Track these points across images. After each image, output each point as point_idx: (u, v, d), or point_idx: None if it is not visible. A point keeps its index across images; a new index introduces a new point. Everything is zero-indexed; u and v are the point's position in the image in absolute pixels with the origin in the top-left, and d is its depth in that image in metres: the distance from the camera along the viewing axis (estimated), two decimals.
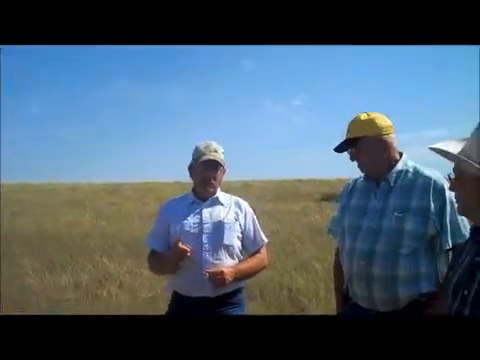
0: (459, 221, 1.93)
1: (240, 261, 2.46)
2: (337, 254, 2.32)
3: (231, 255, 2.41)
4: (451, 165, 1.42)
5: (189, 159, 2.52)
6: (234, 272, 2.33)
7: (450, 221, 1.93)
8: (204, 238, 2.37)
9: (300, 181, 26.60)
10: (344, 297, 2.23)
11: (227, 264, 2.36)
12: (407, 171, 2.06)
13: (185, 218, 2.43)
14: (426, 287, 1.96)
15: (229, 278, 2.28)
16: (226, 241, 2.39)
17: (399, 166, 2.07)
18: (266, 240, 2.58)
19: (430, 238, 1.97)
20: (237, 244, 2.45)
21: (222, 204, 2.50)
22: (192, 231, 2.38)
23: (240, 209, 2.52)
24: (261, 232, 2.57)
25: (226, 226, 2.41)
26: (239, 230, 2.46)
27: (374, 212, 2.06)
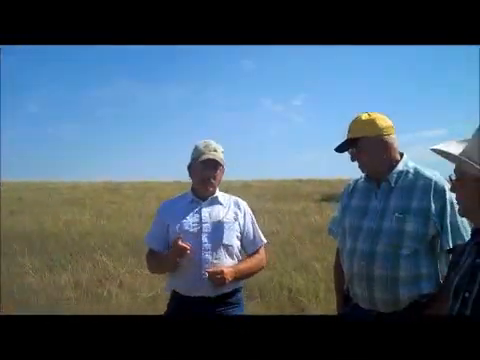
0: (459, 222, 1.93)
1: (239, 261, 2.46)
2: (337, 254, 2.32)
3: (230, 255, 2.40)
4: (450, 166, 1.42)
5: (189, 159, 2.51)
6: (234, 272, 2.33)
7: (450, 222, 1.93)
8: (204, 237, 2.36)
9: (300, 181, 26.62)
10: (344, 297, 2.23)
11: (226, 264, 2.36)
12: (408, 172, 2.06)
13: (184, 217, 2.42)
14: (427, 288, 1.96)
15: (229, 278, 2.28)
16: (226, 241, 2.38)
17: (400, 167, 2.07)
18: (265, 240, 2.58)
19: (431, 239, 1.96)
20: (236, 244, 2.44)
21: (221, 204, 2.49)
22: (191, 230, 2.38)
23: (239, 209, 2.52)
24: (260, 232, 2.57)
25: (226, 226, 2.41)
26: (238, 230, 2.46)
27: (375, 213, 2.06)
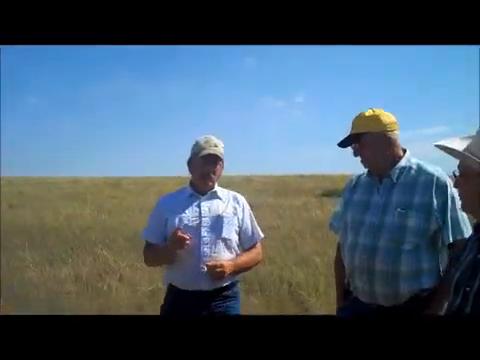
0: (460, 217, 1.94)
1: (237, 255, 2.47)
2: (338, 249, 2.33)
3: (229, 249, 2.41)
4: (453, 162, 1.44)
5: (189, 154, 2.50)
6: (233, 265, 2.34)
7: (451, 217, 1.95)
8: (203, 231, 2.37)
9: (302, 176, 26.58)
10: (345, 291, 2.25)
11: (225, 257, 2.36)
12: (410, 168, 2.07)
13: (183, 211, 2.42)
14: (427, 283, 1.98)
15: (228, 271, 2.29)
16: (225, 235, 2.39)
17: (402, 162, 2.08)
18: (262, 235, 2.59)
19: (432, 234, 1.98)
20: (235, 238, 2.45)
21: (220, 198, 2.49)
22: (191, 224, 2.38)
23: (238, 204, 2.53)
24: (258, 227, 2.58)
25: (225, 220, 2.41)
26: (237, 224, 2.47)
27: (377, 208, 2.07)
